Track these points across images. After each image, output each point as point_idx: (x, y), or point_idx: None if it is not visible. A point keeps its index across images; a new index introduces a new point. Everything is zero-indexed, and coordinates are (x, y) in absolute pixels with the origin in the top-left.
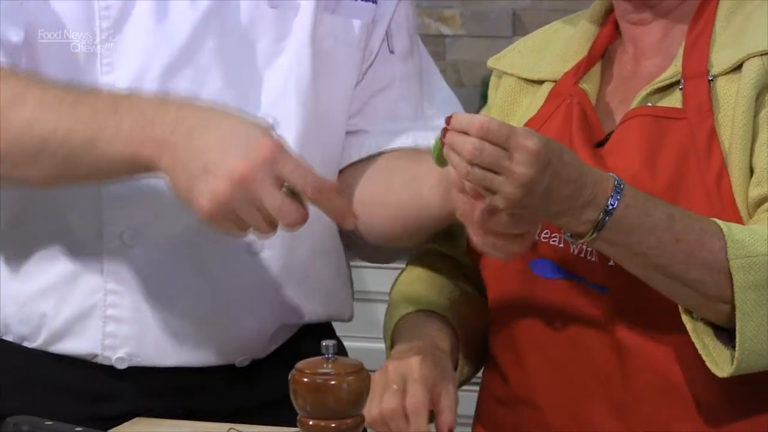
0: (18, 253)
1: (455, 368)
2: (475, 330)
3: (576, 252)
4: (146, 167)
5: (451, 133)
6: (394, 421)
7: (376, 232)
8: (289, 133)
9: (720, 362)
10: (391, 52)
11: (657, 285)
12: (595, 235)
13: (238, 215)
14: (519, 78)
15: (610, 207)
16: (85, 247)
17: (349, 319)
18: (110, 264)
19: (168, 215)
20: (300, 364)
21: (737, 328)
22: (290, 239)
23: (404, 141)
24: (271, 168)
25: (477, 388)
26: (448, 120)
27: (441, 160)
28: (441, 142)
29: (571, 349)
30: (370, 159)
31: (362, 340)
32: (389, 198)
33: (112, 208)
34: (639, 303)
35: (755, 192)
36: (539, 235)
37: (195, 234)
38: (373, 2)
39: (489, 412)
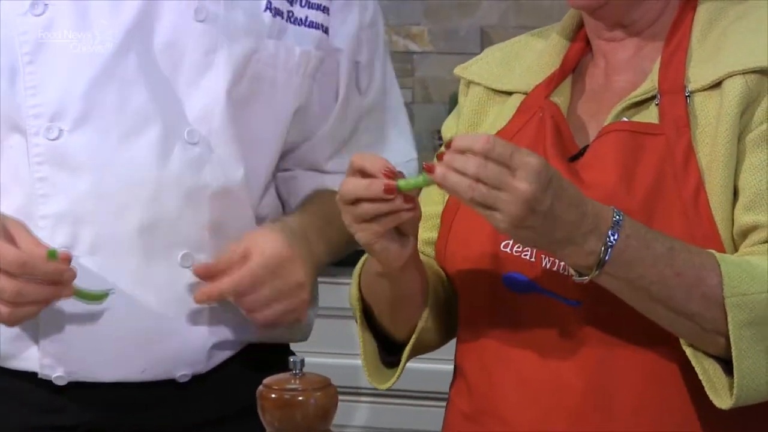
0: None
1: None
2: (442, 301)
3: (548, 266)
4: None
5: (452, 154)
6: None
7: None
8: (215, 150)
9: (721, 392)
10: (360, 93)
11: (659, 319)
12: (598, 271)
13: None
14: (487, 88)
15: (612, 238)
16: None
17: (301, 340)
18: None
19: (103, 228)
20: (268, 380)
21: (734, 365)
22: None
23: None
24: None
25: (444, 403)
26: (448, 144)
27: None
28: (425, 167)
29: (541, 364)
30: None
31: (329, 356)
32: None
33: (44, 227)
34: (612, 317)
35: (747, 218)
36: (511, 249)
37: (129, 247)
38: (320, 30)
39: (455, 426)
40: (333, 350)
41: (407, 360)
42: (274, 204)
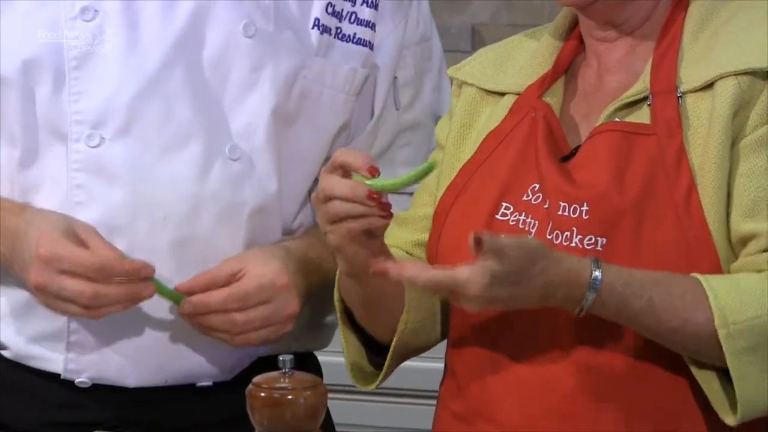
0: None
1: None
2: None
3: None
4: None
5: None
6: None
7: None
8: (256, 167)
9: (726, 409)
10: (397, 108)
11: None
12: (582, 313)
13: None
14: (480, 88)
15: (585, 304)
16: None
17: (320, 347)
18: None
19: (137, 240)
20: (257, 379)
21: (737, 392)
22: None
23: None
24: (52, 266)
25: (434, 402)
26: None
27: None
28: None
29: (533, 364)
30: None
31: (320, 353)
32: None
33: None
34: (606, 323)
35: (746, 227)
36: None
37: (162, 260)
38: (367, 47)
39: (446, 426)
40: (325, 347)
41: (395, 362)
42: (308, 220)
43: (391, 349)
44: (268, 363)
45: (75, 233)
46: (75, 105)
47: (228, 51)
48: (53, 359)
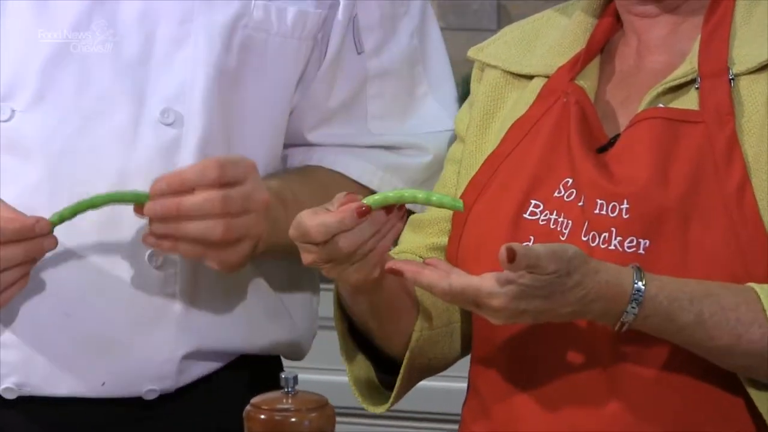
0: None
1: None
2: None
3: None
4: None
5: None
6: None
7: None
8: (194, 132)
9: None
10: (358, 52)
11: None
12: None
13: None
14: (505, 71)
15: (626, 319)
16: None
17: (298, 358)
18: None
19: (59, 226)
20: (256, 399)
21: None
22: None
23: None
24: None
25: (455, 426)
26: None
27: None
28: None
29: (567, 385)
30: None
31: (325, 373)
32: None
33: None
34: (649, 337)
35: None
36: None
37: (90, 246)
38: None
39: None
40: (330, 366)
41: (410, 379)
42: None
43: (405, 360)
44: (225, 376)
45: None
46: None
47: (151, 4)
48: None
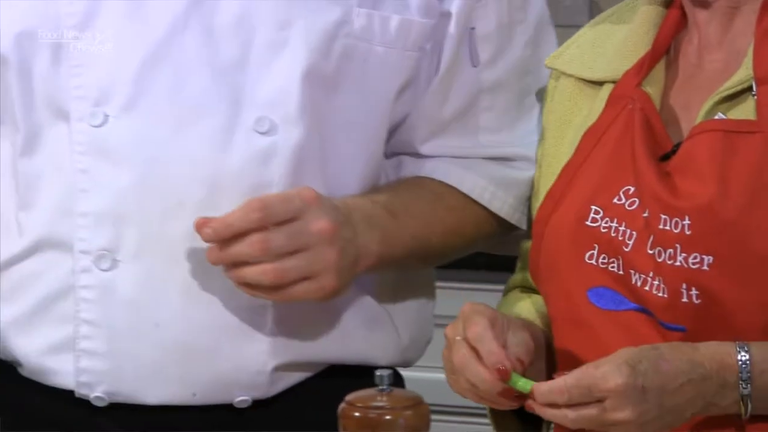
0: None
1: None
2: None
3: (639, 284)
4: None
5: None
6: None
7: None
8: (288, 141)
9: None
10: (474, 65)
11: None
12: (748, 414)
13: None
14: (578, 79)
15: (745, 386)
16: (54, 271)
17: (403, 366)
18: (83, 290)
19: (149, 229)
20: (350, 397)
21: None
22: None
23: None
24: None
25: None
26: (531, 394)
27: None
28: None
29: None
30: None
31: (421, 370)
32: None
33: (84, 226)
34: None
35: None
36: (596, 261)
37: (179, 252)
38: None
39: None
40: (424, 363)
41: None
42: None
43: None
44: (318, 383)
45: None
46: (75, 80)
47: (248, 9)
48: (62, 374)
